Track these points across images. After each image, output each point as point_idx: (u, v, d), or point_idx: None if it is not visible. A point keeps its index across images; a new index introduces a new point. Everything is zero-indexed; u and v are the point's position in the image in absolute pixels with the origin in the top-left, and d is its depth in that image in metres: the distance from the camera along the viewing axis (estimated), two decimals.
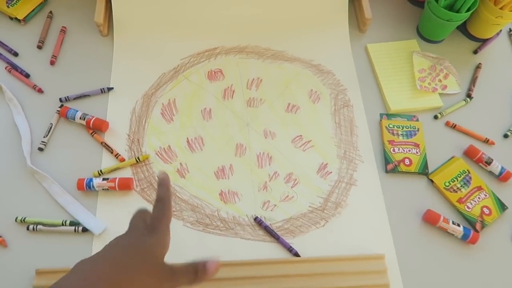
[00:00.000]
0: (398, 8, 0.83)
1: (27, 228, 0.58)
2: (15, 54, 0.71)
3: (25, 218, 0.58)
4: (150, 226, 0.39)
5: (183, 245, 0.59)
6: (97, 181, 0.60)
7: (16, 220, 0.58)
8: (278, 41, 0.76)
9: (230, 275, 0.56)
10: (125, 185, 0.61)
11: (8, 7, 0.73)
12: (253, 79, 0.72)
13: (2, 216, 0.59)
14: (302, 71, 0.74)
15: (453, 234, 0.61)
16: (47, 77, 0.70)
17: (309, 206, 0.63)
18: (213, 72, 0.73)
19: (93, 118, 0.65)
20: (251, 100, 0.70)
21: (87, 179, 0.61)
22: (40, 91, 0.68)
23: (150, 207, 0.61)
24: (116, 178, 0.61)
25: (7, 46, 0.71)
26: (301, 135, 0.68)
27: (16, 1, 0.73)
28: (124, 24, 0.73)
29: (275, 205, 0.62)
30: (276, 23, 0.76)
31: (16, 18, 0.73)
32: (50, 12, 0.75)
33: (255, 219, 0.61)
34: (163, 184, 0.42)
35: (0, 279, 0.55)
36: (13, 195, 0.61)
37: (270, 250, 0.59)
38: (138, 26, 0.74)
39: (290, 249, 0.59)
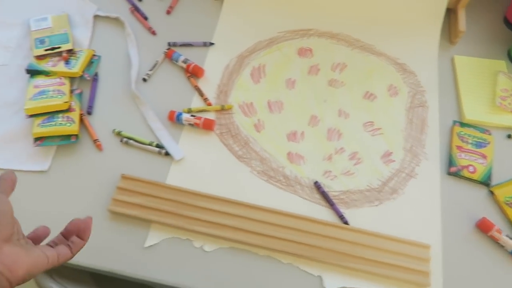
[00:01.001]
0: (492, 28, 0.85)
1: (121, 140, 0.67)
2: None
3: (120, 132, 0.68)
4: None
5: (247, 188, 0.65)
6: (185, 116, 0.68)
7: (113, 132, 0.68)
8: (369, 35, 0.81)
9: (284, 223, 0.61)
10: (208, 125, 0.68)
11: None
12: (339, 63, 0.78)
13: (103, 126, 0.69)
14: (386, 66, 0.78)
15: (503, 246, 0.62)
16: (161, 23, 0.80)
17: (367, 185, 0.66)
18: (303, 49, 0.79)
19: (193, 64, 0.74)
20: (333, 81, 0.76)
21: (177, 112, 0.69)
22: (154, 33, 0.78)
23: (225, 150, 0.68)
24: (202, 117, 0.69)
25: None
26: (372, 122, 0.72)
27: None
28: None
29: (336, 176, 0.67)
30: (371, 18, 0.81)
31: None
32: None
33: (315, 183, 0.66)
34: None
35: (92, 176, 0.64)
36: (115, 111, 0.70)
37: (322, 214, 0.63)
38: None
39: (341, 217, 0.63)
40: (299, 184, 0.66)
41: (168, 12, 0.81)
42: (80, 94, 0.70)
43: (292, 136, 0.70)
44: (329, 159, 0.68)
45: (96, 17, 0.79)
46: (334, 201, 0.64)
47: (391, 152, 0.69)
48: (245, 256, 0.60)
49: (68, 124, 0.65)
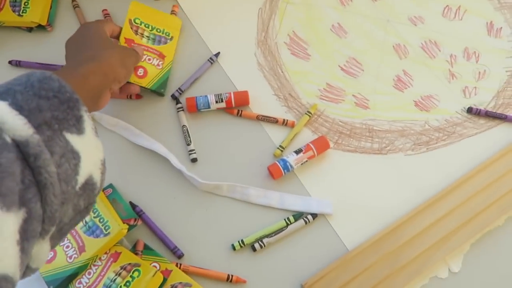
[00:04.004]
0: None
1: (253, 249, 0.45)
2: None
3: (242, 240, 0.45)
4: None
5: (413, 173, 0.49)
6: (292, 158, 0.47)
7: (234, 249, 0.45)
8: None
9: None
10: (323, 146, 0.49)
11: (20, 15, 0.51)
12: None
13: (216, 250, 0.45)
14: None
15: None
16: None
17: (506, 71, 0.55)
18: None
19: (231, 94, 0.50)
20: None
21: (280, 162, 0.47)
22: (138, 97, 0.51)
23: (359, 156, 0.50)
24: (308, 144, 0.48)
25: (54, 65, 0.51)
26: (447, 5, 0.58)
27: (25, 6, 0.51)
28: None
29: (475, 87, 0.54)
30: None
31: (38, 26, 0.52)
32: (73, 0, 0.54)
33: (470, 110, 0.52)
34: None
35: None
36: (200, 225, 0.46)
37: (501, 136, 0.51)
38: None
39: None
40: (457, 125, 0.52)
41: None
42: (148, 247, 0.44)
43: (400, 83, 0.54)
44: (453, 77, 0.54)
45: None
46: (499, 111, 0.52)
47: (491, 21, 0.57)
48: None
49: None
